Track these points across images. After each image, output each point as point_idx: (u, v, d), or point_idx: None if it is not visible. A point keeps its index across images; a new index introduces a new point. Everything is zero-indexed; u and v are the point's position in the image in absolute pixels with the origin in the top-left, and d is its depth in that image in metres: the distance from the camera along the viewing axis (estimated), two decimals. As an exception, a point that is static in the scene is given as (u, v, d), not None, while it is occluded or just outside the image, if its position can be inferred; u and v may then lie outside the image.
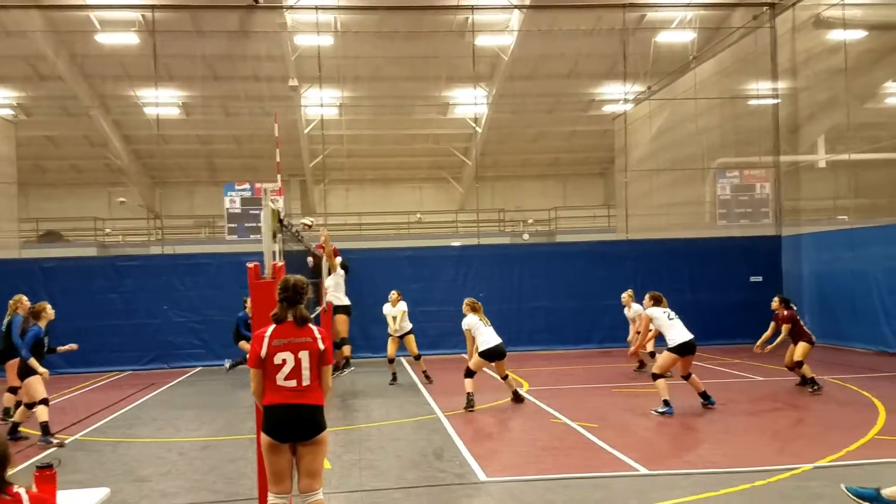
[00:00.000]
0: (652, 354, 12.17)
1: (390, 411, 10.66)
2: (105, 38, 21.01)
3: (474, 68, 20.74)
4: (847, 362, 14.11)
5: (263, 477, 5.22)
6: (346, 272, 13.37)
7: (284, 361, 4.76)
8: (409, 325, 13.14)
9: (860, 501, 5.37)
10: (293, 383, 4.76)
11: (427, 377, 12.96)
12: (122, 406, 11.87)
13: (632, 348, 11.20)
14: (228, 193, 18.91)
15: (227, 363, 15.10)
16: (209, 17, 20.44)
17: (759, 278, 18.02)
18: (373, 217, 27.92)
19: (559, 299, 17.77)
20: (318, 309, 12.62)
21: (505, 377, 10.78)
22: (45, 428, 8.90)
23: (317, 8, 19.47)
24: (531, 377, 13.25)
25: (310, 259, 13.16)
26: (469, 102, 23.29)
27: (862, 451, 7.48)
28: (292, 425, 4.75)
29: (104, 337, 16.32)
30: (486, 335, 10.55)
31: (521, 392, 11.07)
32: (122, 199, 21.03)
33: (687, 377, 9.99)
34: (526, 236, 26.35)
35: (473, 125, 25.20)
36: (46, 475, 4.27)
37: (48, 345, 9.41)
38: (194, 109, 25.52)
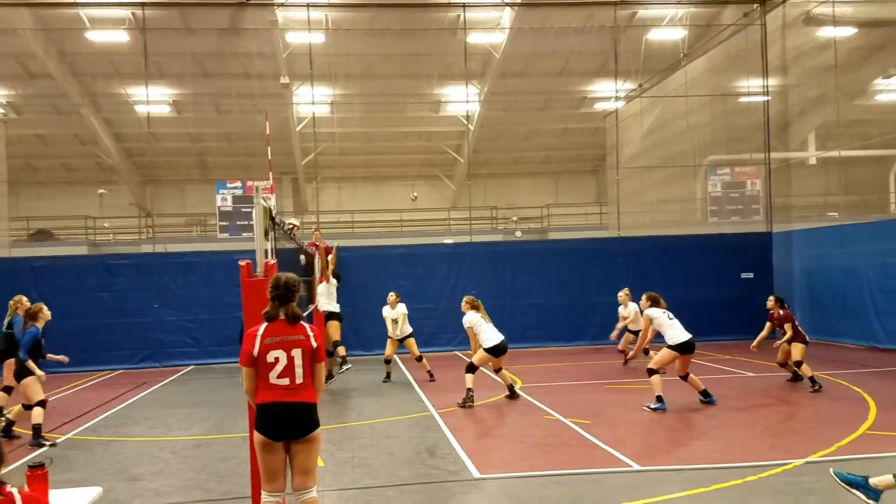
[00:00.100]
0: (646, 352, 12.21)
1: (384, 409, 10.66)
2: (95, 36, 20.90)
3: (466, 66, 20.74)
4: (838, 358, 14.19)
5: (256, 475, 5.22)
6: (339, 281, 13.34)
7: (277, 359, 4.75)
8: (409, 329, 13.15)
9: (848, 487, 5.43)
10: (286, 381, 4.76)
11: (430, 376, 12.97)
12: (114, 405, 11.83)
13: (632, 352, 11.21)
14: (220, 191, 18.87)
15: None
16: (199, 14, 20.36)
17: (751, 275, 18.11)
18: (365, 215, 27.90)
19: (552, 296, 17.81)
20: (311, 307, 12.62)
21: (498, 370, 10.87)
22: (37, 430, 8.85)
23: (308, 5, 19.42)
24: (524, 374, 13.28)
25: (302, 257, 13.15)
26: (461, 100, 23.28)
27: (853, 447, 7.53)
28: (286, 423, 4.74)
29: (95, 336, 16.27)
30: (489, 332, 10.62)
31: (515, 388, 11.09)
32: (101, 191, 20.92)
33: (685, 377, 10.03)
34: (518, 233, 26.36)
35: (465, 123, 25.19)
36: (38, 474, 4.26)
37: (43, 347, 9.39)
38: (185, 107, 25.41)
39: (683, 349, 9.80)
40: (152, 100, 22.60)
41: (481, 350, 10.59)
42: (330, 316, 12.62)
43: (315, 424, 4.82)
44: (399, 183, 30.00)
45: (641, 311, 10.82)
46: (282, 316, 4.85)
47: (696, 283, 17.60)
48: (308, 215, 25.93)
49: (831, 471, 5.63)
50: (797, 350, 11.00)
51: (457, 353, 17.03)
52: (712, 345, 15.97)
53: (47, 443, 8.81)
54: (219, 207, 18.85)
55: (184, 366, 16.54)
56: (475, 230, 21.00)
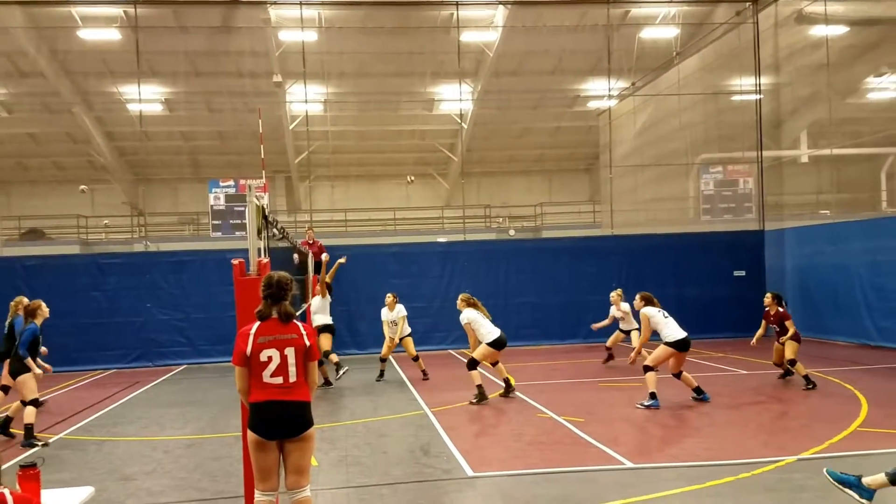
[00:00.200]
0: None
1: (377, 407, 10.65)
2: (87, 35, 20.82)
3: (459, 64, 20.73)
4: (830, 355, 14.25)
5: (250, 474, 5.21)
6: (331, 294, 13.22)
7: (270, 358, 4.74)
8: (408, 329, 13.15)
9: (841, 487, 5.45)
10: (280, 380, 4.75)
11: (424, 374, 12.96)
12: (107, 404, 11.79)
13: (632, 354, 11.21)
14: (213, 190, 18.81)
15: None
16: (192, 12, 20.30)
17: (743, 273, 18.18)
18: (358, 213, 27.87)
19: (545, 295, 17.83)
20: (304, 306, 12.60)
21: (495, 363, 10.94)
22: (29, 430, 8.81)
23: (301, 3, 19.39)
24: (518, 372, 13.25)
25: (295, 256, 13.13)
26: (454, 98, 23.30)
27: (845, 443, 7.56)
28: (280, 422, 4.73)
29: (88, 335, 16.20)
30: (487, 326, 10.69)
31: (511, 383, 11.08)
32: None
33: (678, 375, 10.05)
34: (512, 232, 26.39)
35: (459, 121, 25.20)
36: (30, 474, 4.24)
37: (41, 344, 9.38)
38: (178, 106, 25.34)
39: (680, 347, 9.83)
40: (144, 98, 22.53)
41: (483, 345, 10.62)
42: (323, 329, 12.52)
43: (309, 423, 4.81)
44: (393, 181, 29.99)
45: (634, 311, 10.82)
46: (274, 315, 4.84)
47: (688, 281, 17.65)
48: (301, 214, 25.91)
49: (825, 471, 5.65)
50: (791, 348, 11.03)
51: (450, 351, 17.04)
52: (705, 342, 16.01)
53: (39, 443, 8.77)
54: (211, 206, 18.80)
55: (176, 365, 16.50)
56: (469, 229, 21.02)
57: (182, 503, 6.46)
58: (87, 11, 20.01)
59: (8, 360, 9.61)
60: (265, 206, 6.40)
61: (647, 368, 9.94)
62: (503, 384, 11.01)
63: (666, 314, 10.05)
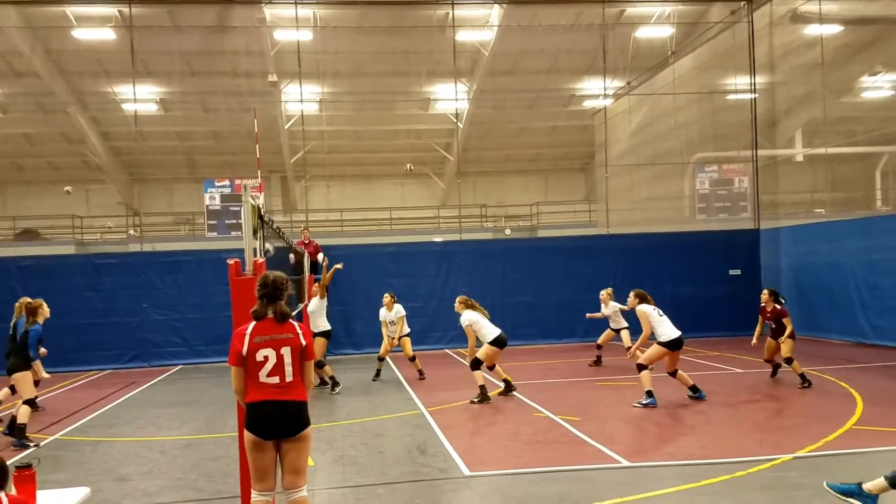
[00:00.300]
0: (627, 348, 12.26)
1: (374, 407, 10.65)
2: (81, 34, 20.77)
3: (455, 64, 20.74)
4: (825, 354, 14.28)
5: (246, 474, 5.20)
6: (328, 297, 13.17)
7: (266, 358, 4.74)
8: (406, 329, 13.14)
9: (843, 497, 5.42)
10: (276, 380, 4.74)
11: (420, 374, 12.96)
12: (103, 405, 11.77)
13: (632, 349, 11.17)
14: (208, 190, 18.79)
15: None
16: (187, 11, 20.26)
17: (738, 272, 18.22)
18: (354, 213, 27.85)
19: (541, 294, 17.84)
20: (300, 305, 12.57)
21: (492, 367, 10.97)
22: (21, 430, 8.79)
23: (296, 2, 19.35)
24: (514, 372, 13.24)
25: (291, 256, 13.11)
26: (450, 98, 23.29)
27: (840, 442, 7.59)
28: (277, 422, 4.73)
29: (83, 335, 16.16)
30: (488, 326, 10.70)
31: (511, 382, 11.07)
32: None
33: (674, 373, 10.07)
34: (508, 231, 26.40)
35: (455, 121, 25.19)
36: (26, 475, 4.23)
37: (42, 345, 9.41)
38: (173, 105, 25.29)
39: (673, 346, 9.85)
40: (139, 98, 22.49)
41: (486, 345, 10.62)
42: (319, 334, 12.44)
43: (306, 423, 4.81)
44: (389, 181, 30.00)
45: (627, 309, 10.81)
46: (270, 314, 4.84)
47: (684, 279, 17.68)
48: (297, 214, 25.89)
49: (825, 484, 5.59)
50: (787, 346, 11.03)
51: (447, 351, 17.04)
52: (700, 341, 16.04)
53: (31, 444, 8.75)
54: (207, 206, 18.78)
55: (172, 365, 16.46)
56: (465, 228, 21.02)
57: (178, 503, 6.46)
58: (81, 11, 19.95)
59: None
60: (261, 206, 6.40)
61: (640, 367, 9.95)
62: (502, 384, 11.01)
63: (661, 312, 10.04)
